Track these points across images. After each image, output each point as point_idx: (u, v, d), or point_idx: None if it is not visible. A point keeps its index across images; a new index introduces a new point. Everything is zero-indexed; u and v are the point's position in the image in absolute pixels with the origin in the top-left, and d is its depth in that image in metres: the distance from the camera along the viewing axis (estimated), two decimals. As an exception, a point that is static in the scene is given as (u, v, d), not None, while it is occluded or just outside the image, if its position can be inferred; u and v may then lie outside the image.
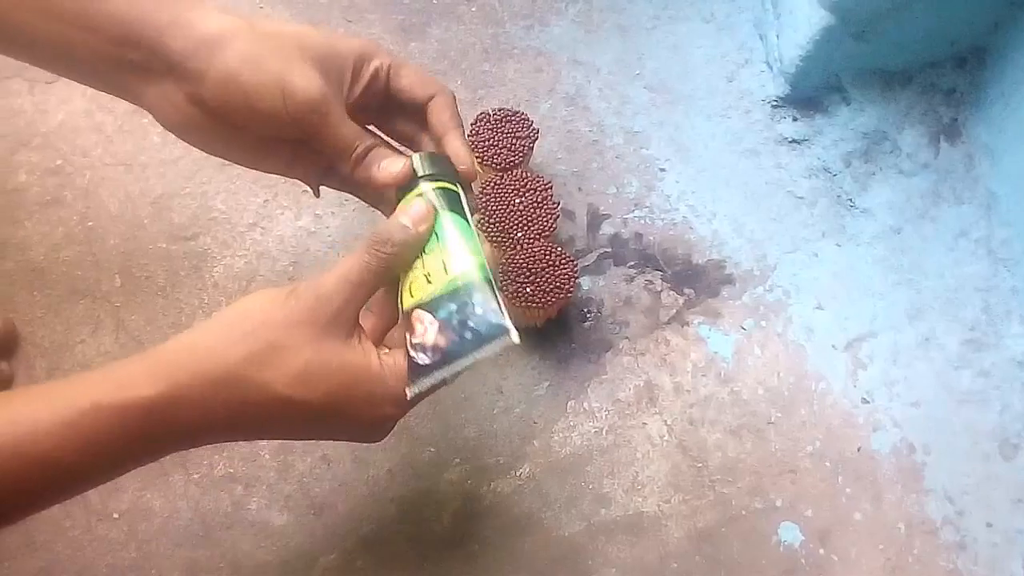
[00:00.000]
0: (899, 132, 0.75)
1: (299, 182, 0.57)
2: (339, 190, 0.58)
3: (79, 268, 0.69)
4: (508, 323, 0.46)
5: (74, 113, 0.75)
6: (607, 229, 0.73)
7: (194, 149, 0.73)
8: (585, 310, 0.70)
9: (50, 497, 0.42)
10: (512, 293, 0.63)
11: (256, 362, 0.43)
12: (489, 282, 0.48)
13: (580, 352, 0.68)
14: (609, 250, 0.73)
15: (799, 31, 0.73)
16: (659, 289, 0.71)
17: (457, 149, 0.53)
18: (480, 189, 0.68)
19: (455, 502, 0.63)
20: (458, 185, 0.53)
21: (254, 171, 0.70)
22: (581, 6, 0.83)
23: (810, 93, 0.78)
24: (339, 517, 0.62)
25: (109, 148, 0.74)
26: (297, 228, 0.72)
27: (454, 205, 0.51)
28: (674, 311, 0.71)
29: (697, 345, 0.69)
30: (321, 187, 0.57)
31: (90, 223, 0.71)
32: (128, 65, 0.47)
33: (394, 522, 0.62)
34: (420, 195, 0.51)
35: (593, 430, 0.65)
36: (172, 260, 0.70)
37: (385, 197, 0.55)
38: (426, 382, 0.46)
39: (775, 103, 0.78)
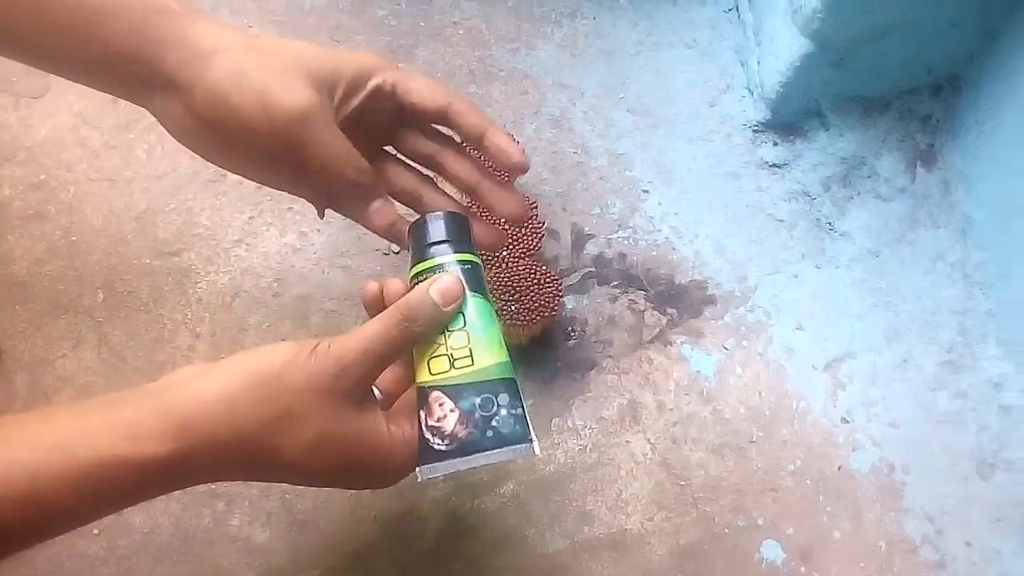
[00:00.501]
0: (877, 157, 0.77)
1: (298, 200, 0.56)
2: (347, 216, 0.55)
3: (61, 282, 0.69)
4: (533, 433, 0.46)
5: (59, 128, 0.75)
6: (591, 249, 0.74)
7: (180, 165, 0.74)
8: (569, 329, 0.70)
9: (51, 536, 0.41)
10: (497, 311, 0.63)
11: (272, 429, 0.42)
12: (515, 383, 0.47)
13: (564, 370, 0.69)
14: (593, 270, 0.73)
15: (779, 58, 0.75)
16: (642, 308, 0.72)
17: (505, 143, 0.50)
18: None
19: (439, 520, 0.62)
20: (479, 257, 0.51)
21: (240, 188, 0.71)
22: (567, 30, 0.84)
23: (790, 118, 0.79)
24: (321, 534, 0.61)
25: (94, 163, 0.74)
26: (282, 245, 0.72)
27: (476, 284, 0.49)
28: (657, 330, 0.71)
29: (680, 364, 0.70)
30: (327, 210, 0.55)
31: (73, 238, 0.71)
32: (132, 77, 0.47)
33: (377, 540, 0.61)
34: (431, 266, 0.48)
35: (577, 448, 0.66)
36: (156, 275, 0.70)
37: (396, 233, 0.53)
38: (439, 468, 0.45)
39: (756, 128, 0.80)
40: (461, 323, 0.47)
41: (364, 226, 0.54)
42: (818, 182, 0.77)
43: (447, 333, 0.47)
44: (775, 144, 0.79)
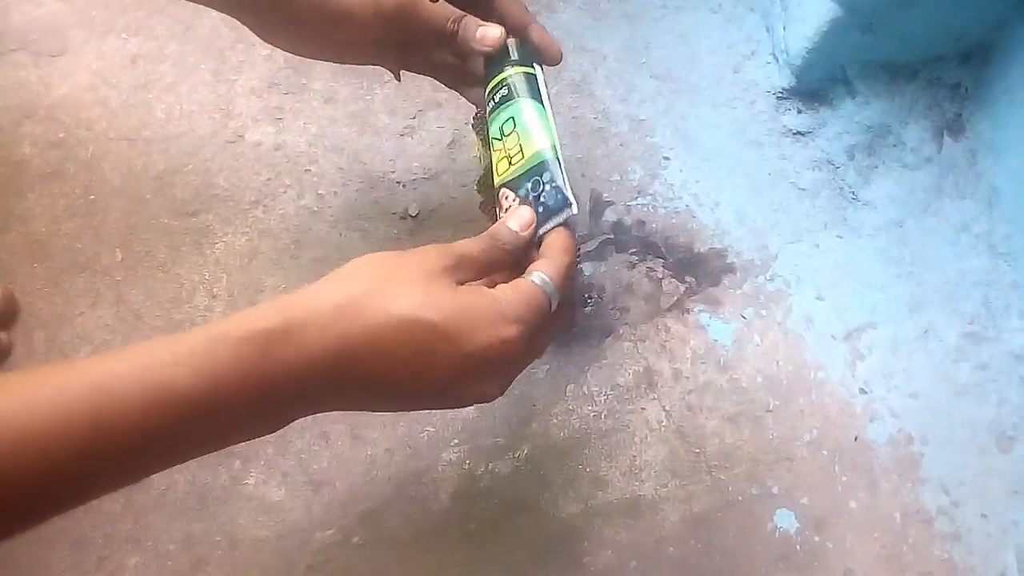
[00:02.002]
0: (903, 126, 0.76)
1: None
2: (421, 73, 0.62)
3: (80, 241, 0.69)
4: (571, 196, 0.52)
5: (78, 87, 0.75)
6: (610, 216, 0.73)
7: (198, 126, 0.74)
8: (586, 295, 0.70)
9: (184, 447, 0.40)
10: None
11: (377, 289, 0.43)
12: (557, 160, 0.53)
13: (580, 337, 0.68)
14: (612, 236, 0.73)
15: (806, 23, 0.73)
16: (660, 276, 0.71)
17: (543, 37, 0.59)
18: (483, 173, 0.68)
19: (453, 482, 0.63)
20: (537, 68, 0.58)
21: (257, 150, 0.71)
22: (588, -7, 0.83)
23: (815, 85, 0.78)
24: (337, 494, 0.62)
25: (113, 122, 0.74)
26: (299, 207, 0.72)
27: (533, 91, 0.56)
28: (675, 298, 0.71)
29: (697, 332, 0.69)
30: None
31: (92, 197, 0.71)
32: None
33: (392, 500, 0.62)
34: (507, 82, 0.56)
35: (592, 414, 0.66)
36: (173, 236, 0.70)
37: (468, 74, 0.61)
38: None
39: (780, 95, 0.78)
40: (512, 127, 0.55)
41: (445, 76, 0.62)
42: (842, 150, 0.76)
43: (504, 139, 0.56)
44: (799, 111, 0.78)
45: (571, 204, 0.51)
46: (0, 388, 0.36)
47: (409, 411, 0.53)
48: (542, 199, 0.52)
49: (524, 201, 0.53)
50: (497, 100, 0.57)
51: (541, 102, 0.56)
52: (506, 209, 0.54)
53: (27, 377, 0.37)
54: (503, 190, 0.55)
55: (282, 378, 0.40)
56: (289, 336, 0.40)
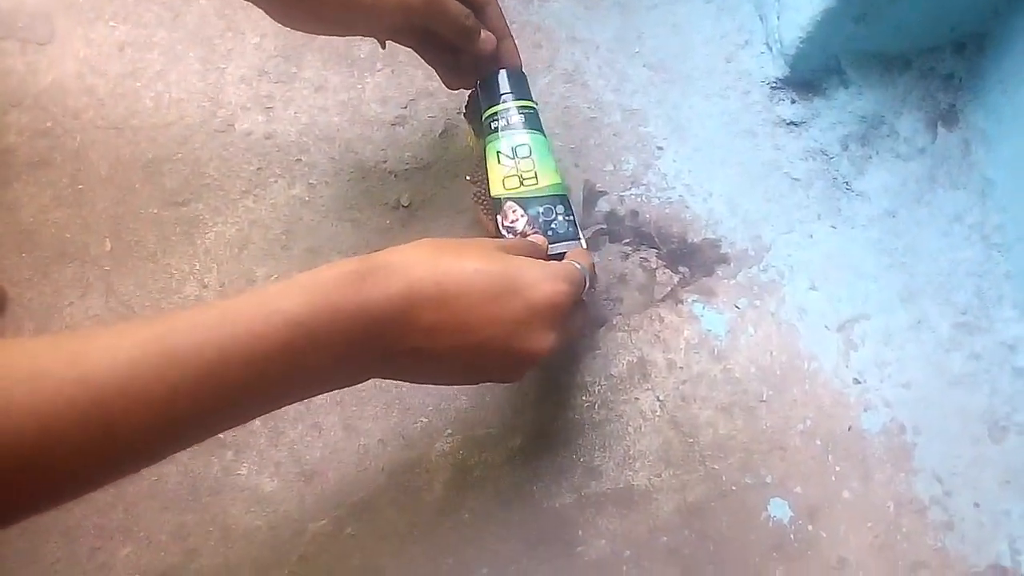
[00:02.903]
0: (897, 116, 0.76)
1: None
2: (405, 46, 0.64)
3: (68, 231, 0.68)
4: (581, 234, 0.62)
5: (66, 75, 0.74)
6: (603, 206, 0.73)
7: (187, 114, 0.74)
8: (579, 285, 0.70)
9: (285, 385, 0.43)
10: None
11: (449, 250, 0.48)
12: (568, 199, 0.63)
13: (574, 327, 0.68)
14: (605, 227, 0.72)
15: (800, 12, 0.73)
16: (654, 266, 0.71)
17: (513, 52, 0.65)
18: (476, 163, 0.68)
19: (446, 472, 0.62)
20: (535, 103, 0.66)
21: (247, 139, 0.71)
22: (581, -18, 0.82)
23: (809, 75, 0.77)
24: (329, 484, 0.61)
25: (101, 111, 0.73)
26: (290, 197, 0.71)
27: (535, 124, 0.64)
28: (668, 288, 0.70)
29: (691, 323, 0.69)
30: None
31: (80, 186, 0.70)
32: None
33: (384, 491, 0.61)
34: (523, 110, 0.64)
35: (585, 404, 0.65)
36: (163, 225, 0.69)
37: (453, 61, 0.65)
38: None
39: (774, 85, 0.78)
40: (528, 152, 0.63)
41: (428, 55, 0.65)
42: (836, 141, 0.76)
43: (517, 159, 0.62)
44: (793, 102, 0.78)
45: (581, 239, 0.62)
46: (134, 329, 0.39)
47: (471, 377, 0.53)
48: (553, 225, 0.61)
49: (533, 220, 0.61)
50: (512, 122, 0.64)
51: (545, 136, 0.65)
52: (512, 221, 0.61)
53: (154, 318, 0.40)
54: (510, 203, 0.61)
55: (366, 313, 0.43)
56: (373, 274, 0.44)
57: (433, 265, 0.46)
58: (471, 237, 0.55)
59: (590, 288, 0.57)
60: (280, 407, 0.44)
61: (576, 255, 0.58)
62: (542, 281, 0.49)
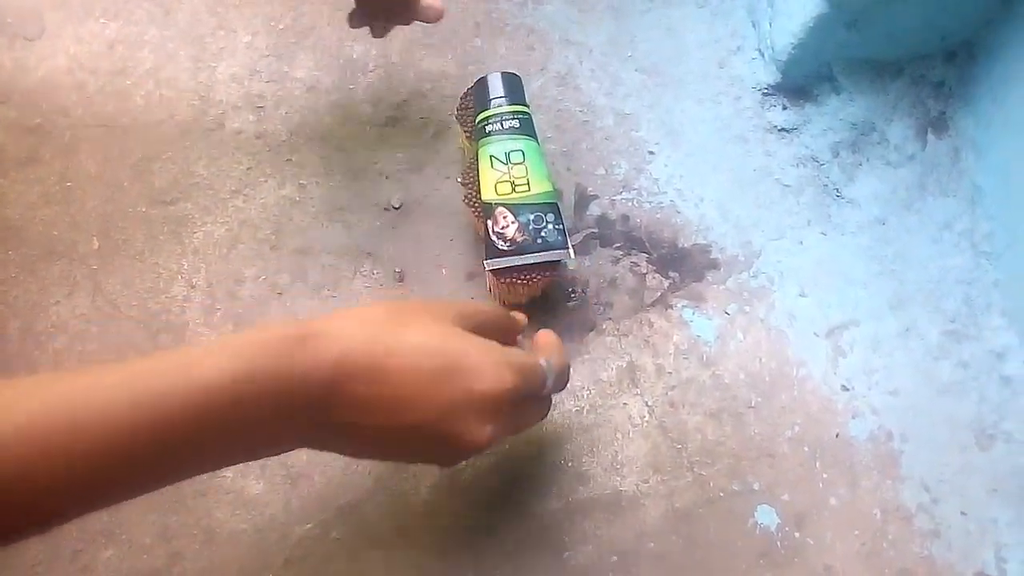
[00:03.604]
0: (887, 124, 0.76)
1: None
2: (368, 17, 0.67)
3: (56, 228, 0.68)
4: (570, 244, 0.62)
5: (55, 71, 0.73)
6: (594, 210, 0.73)
7: (177, 113, 0.73)
8: (570, 290, 0.70)
9: (207, 448, 0.40)
10: (498, 271, 0.62)
11: (394, 318, 0.45)
12: (559, 208, 0.64)
13: (563, 331, 0.68)
14: (596, 231, 0.72)
15: (792, 19, 0.73)
16: (644, 271, 0.71)
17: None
18: (467, 165, 0.68)
19: (433, 476, 0.62)
20: (529, 108, 0.67)
21: (237, 138, 0.70)
22: (575, -15, 0.82)
23: (801, 82, 0.78)
24: (315, 488, 0.61)
25: (90, 108, 0.72)
26: (280, 197, 0.71)
27: (530, 129, 0.65)
28: (658, 294, 0.70)
29: (680, 328, 0.69)
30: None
31: (68, 183, 0.69)
32: None
33: (371, 494, 0.61)
34: (517, 115, 0.65)
35: (574, 409, 0.65)
36: (151, 224, 0.69)
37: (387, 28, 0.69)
38: (502, 262, 0.62)
39: (766, 91, 0.78)
40: (521, 158, 0.63)
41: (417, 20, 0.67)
42: (827, 147, 0.76)
43: (510, 165, 0.63)
44: (784, 108, 0.78)
45: (570, 249, 0.62)
46: (38, 387, 0.36)
47: (403, 457, 0.50)
48: (543, 233, 0.61)
49: (523, 227, 0.61)
50: (506, 127, 0.64)
51: (537, 141, 0.65)
52: (502, 227, 0.61)
53: (65, 376, 0.38)
54: (501, 208, 0.62)
55: (295, 382, 0.41)
56: (305, 342, 0.41)
57: (371, 336, 0.43)
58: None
59: (553, 387, 0.53)
60: (205, 472, 0.42)
61: (552, 349, 0.54)
62: (489, 368, 0.45)
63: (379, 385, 0.43)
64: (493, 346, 0.47)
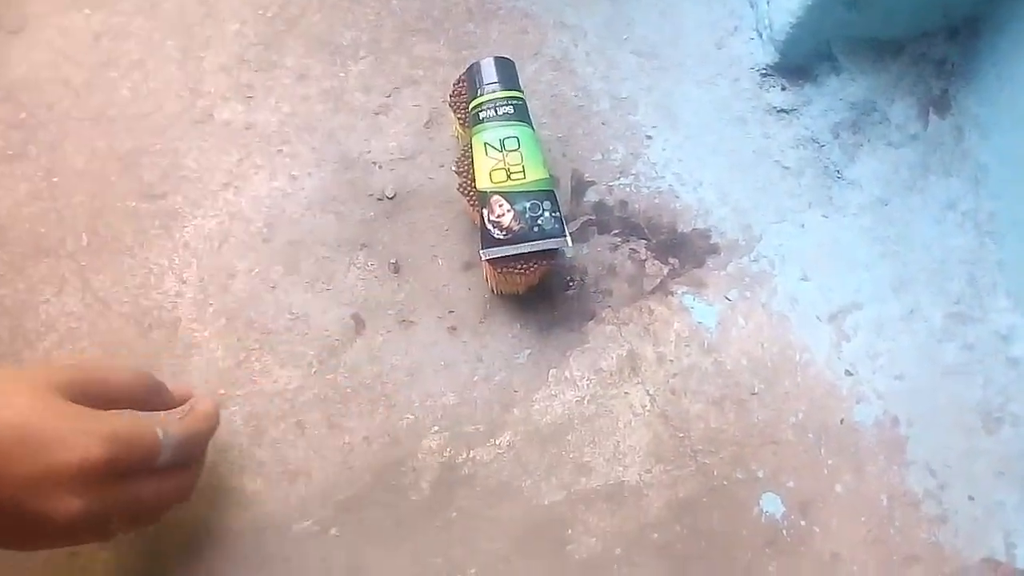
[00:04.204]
0: (889, 103, 0.74)
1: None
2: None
3: (43, 225, 0.67)
4: (567, 232, 0.62)
5: (39, 65, 0.72)
6: (592, 196, 0.72)
7: (165, 104, 0.72)
8: (568, 278, 0.69)
9: None
10: (495, 260, 0.61)
11: None
12: (555, 195, 0.63)
13: (562, 320, 0.67)
14: (593, 217, 0.71)
15: (790, -3, 0.72)
16: (643, 258, 0.70)
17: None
18: (461, 153, 0.66)
19: (433, 470, 0.61)
20: (523, 93, 0.65)
21: (227, 129, 0.69)
22: (568, -33, 0.81)
23: (800, 62, 0.76)
24: (314, 484, 0.60)
25: (76, 102, 0.71)
26: (272, 189, 0.70)
27: (524, 115, 0.64)
28: (658, 280, 0.69)
29: (681, 315, 0.68)
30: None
31: (55, 179, 0.68)
32: None
33: (370, 490, 0.60)
34: (511, 100, 0.63)
35: (575, 399, 0.64)
36: (141, 219, 0.68)
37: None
38: (498, 251, 0.61)
39: (764, 71, 0.77)
40: (516, 145, 0.62)
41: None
42: (827, 128, 0.75)
43: (505, 152, 0.62)
44: (783, 89, 0.76)
45: (567, 237, 0.61)
46: None
47: None
48: (540, 222, 0.60)
49: (520, 216, 0.60)
50: (500, 113, 0.63)
51: (533, 127, 0.64)
52: (498, 215, 0.60)
53: None
54: (496, 197, 0.61)
55: None
56: None
57: None
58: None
59: (176, 459, 0.49)
60: None
61: (173, 418, 0.51)
62: (72, 437, 0.42)
63: None
64: (88, 414, 0.44)
